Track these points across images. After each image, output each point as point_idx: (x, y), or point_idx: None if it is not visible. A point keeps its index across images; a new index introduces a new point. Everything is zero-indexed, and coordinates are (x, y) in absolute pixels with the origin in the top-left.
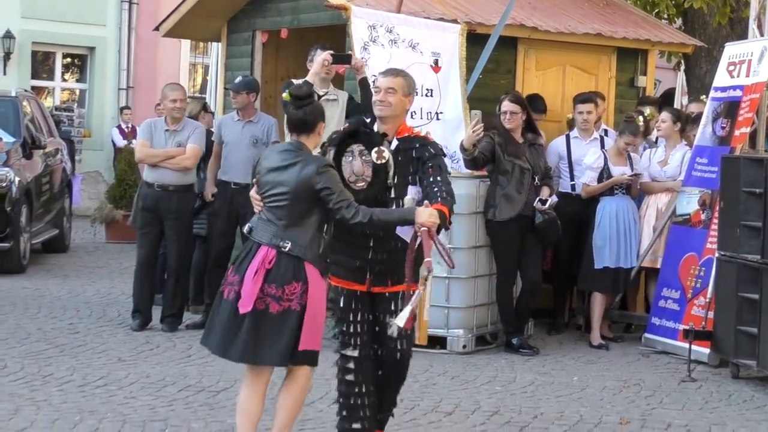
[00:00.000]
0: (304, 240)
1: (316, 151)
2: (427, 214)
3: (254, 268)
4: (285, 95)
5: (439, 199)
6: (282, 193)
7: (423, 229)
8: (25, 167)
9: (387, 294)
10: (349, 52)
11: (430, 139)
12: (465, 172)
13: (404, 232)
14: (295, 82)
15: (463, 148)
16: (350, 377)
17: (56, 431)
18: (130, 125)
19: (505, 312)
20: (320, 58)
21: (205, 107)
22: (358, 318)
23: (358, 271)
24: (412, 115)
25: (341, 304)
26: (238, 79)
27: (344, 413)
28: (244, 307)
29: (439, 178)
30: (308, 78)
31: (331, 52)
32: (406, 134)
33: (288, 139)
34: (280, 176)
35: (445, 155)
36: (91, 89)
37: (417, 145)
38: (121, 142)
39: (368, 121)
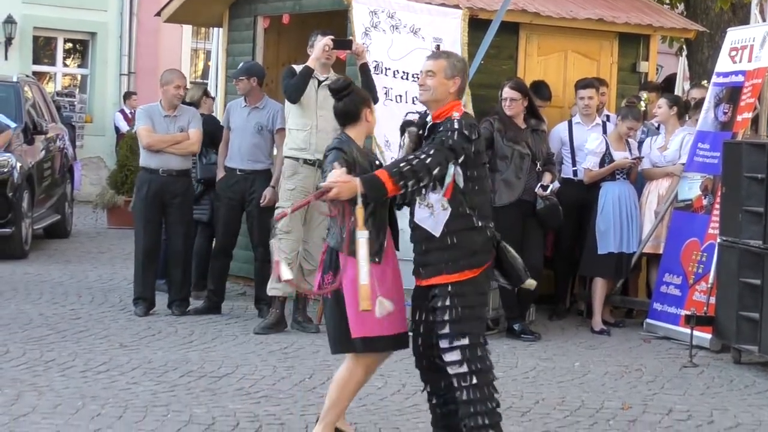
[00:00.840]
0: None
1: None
2: (334, 176)
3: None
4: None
5: (393, 168)
6: None
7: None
8: (26, 153)
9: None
10: (350, 37)
11: (456, 117)
12: None
13: (428, 225)
14: (296, 67)
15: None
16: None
17: (58, 416)
18: (135, 111)
19: (507, 298)
20: (321, 43)
21: (206, 93)
22: None
23: None
24: (414, 101)
25: None
26: (241, 65)
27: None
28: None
29: (424, 150)
30: (309, 63)
31: (332, 37)
32: (444, 118)
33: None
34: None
35: (462, 131)
36: (93, 75)
37: (441, 129)
38: (124, 128)
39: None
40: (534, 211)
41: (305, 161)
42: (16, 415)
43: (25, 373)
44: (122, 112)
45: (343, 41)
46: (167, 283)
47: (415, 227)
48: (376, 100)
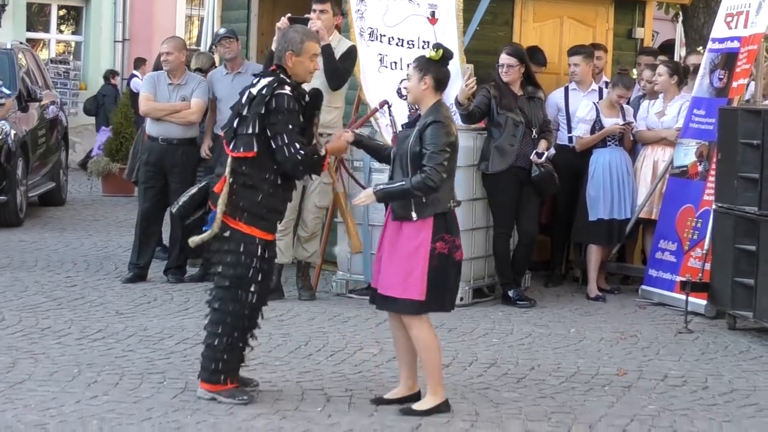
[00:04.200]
0: None
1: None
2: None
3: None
4: (433, 54)
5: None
6: None
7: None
8: (21, 120)
9: None
10: (307, 15)
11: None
12: (462, 125)
13: None
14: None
15: (458, 103)
16: None
17: (54, 384)
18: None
19: (502, 264)
20: (280, 24)
21: (214, 63)
22: None
23: None
24: (409, 67)
25: None
26: (223, 30)
27: None
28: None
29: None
30: None
31: (289, 15)
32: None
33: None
34: None
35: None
36: (87, 42)
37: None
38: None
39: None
40: (529, 178)
41: None
42: (12, 383)
43: (21, 340)
44: (133, 76)
45: (299, 18)
46: (164, 251)
47: None
48: (334, 87)
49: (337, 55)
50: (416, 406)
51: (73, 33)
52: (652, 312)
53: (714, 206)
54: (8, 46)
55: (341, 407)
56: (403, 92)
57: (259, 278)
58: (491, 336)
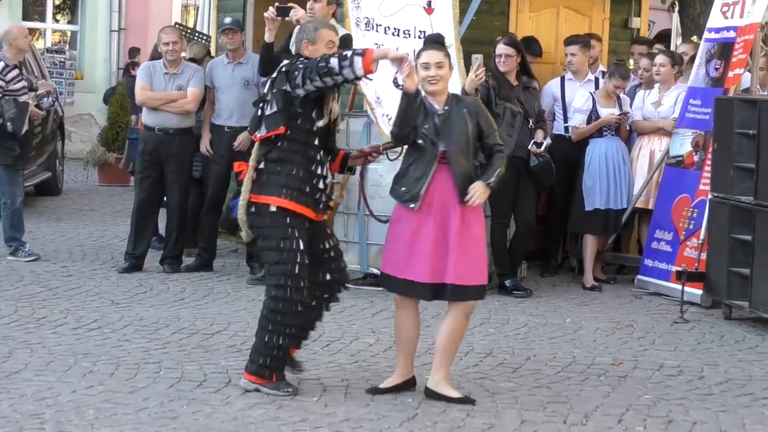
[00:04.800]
0: None
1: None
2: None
3: None
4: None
5: None
6: None
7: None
8: None
9: None
10: (290, 4)
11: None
12: None
13: None
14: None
15: (464, 93)
16: None
17: (50, 373)
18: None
19: (499, 254)
20: (267, 14)
21: (209, 52)
22: None
23: None
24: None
25: None
26: (228, 19)
27: None
28: None
29: None
30: (266, 38)
31: (277, 5)
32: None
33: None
34: None
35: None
36: (83, 31)
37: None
38: None
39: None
40: (527, 168)
41: None
42: (8, 372)
43: (17, 330)
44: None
45: (283, 8)
46: (160, 240)
47: None
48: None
49: None
50: (446, 391)
51: (69, 22)
52: (648, 302)
53: (710, 196)
54: None
55: (337, 397)
56: (399, 81)
57: (304, 259)
58: (487, 326)
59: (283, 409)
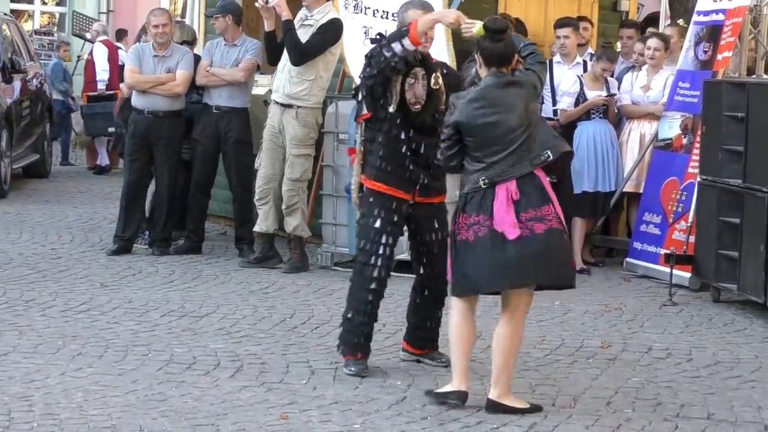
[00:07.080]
0: None
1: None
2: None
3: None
4: (477, 30)
5: None
6: None
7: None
8: (4, 91)
9: None
10: None
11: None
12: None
13: None
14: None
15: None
16: None
17: (39, 356)
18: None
19: None
20: (258, 4)
21: (195, 36)
22: None
23: None
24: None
25: None
26: (219, 2)
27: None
28: (513, 234)
29: None
30: (267, 28)
31: None
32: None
33: None
34: None
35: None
36: (71, 13)
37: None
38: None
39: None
40: None
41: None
42: None
43: (6, 312)
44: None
45: None
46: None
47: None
48: (294, 62)
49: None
50: (510, 402)
51: (58, 4)
52: (637, 285)
53: (698, 179)
54: None
55: (326, 379)
56: (465, 36)
57: (381, 238)
58: (476, 309)
59: (272, 392)
